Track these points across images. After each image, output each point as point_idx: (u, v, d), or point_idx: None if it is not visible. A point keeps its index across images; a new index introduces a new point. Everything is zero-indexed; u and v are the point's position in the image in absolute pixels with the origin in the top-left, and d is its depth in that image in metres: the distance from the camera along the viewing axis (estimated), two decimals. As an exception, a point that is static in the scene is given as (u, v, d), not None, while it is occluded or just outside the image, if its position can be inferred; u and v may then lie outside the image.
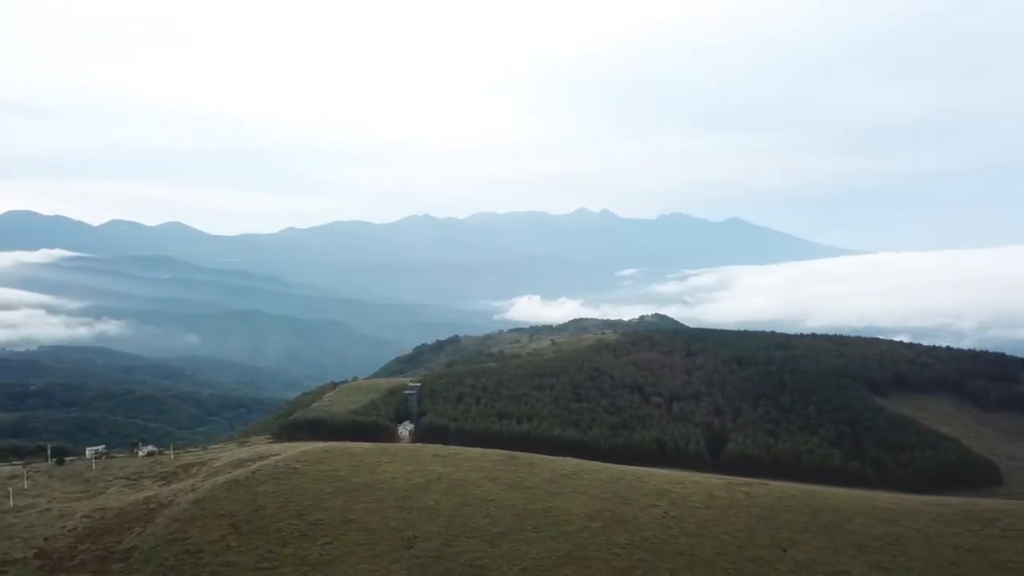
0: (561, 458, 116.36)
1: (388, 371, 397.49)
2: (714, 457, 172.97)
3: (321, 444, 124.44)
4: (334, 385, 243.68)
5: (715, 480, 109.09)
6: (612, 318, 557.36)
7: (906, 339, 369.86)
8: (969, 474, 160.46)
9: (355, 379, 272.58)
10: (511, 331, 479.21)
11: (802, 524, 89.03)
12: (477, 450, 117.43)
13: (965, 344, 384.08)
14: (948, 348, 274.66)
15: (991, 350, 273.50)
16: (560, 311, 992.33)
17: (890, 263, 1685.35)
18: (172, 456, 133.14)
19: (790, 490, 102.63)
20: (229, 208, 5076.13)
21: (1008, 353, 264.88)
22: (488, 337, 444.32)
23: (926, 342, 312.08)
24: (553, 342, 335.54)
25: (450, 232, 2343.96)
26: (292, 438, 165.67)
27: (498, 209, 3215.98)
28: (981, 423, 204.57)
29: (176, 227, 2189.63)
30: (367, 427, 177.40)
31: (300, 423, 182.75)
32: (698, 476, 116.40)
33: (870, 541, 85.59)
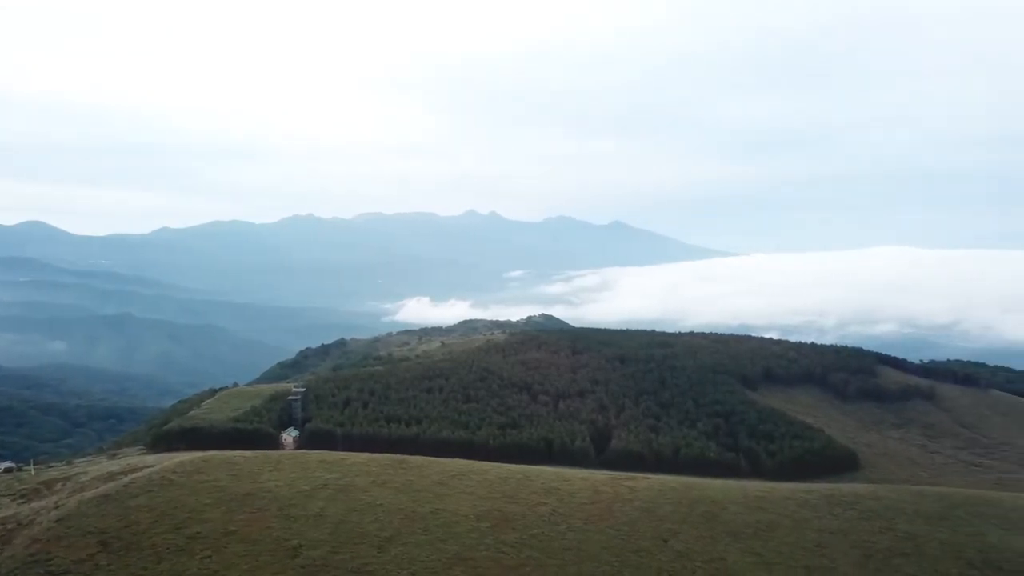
0: (450, 460, 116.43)
1: (271, 376, 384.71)
2: (599, 453, 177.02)
3: (199, 453, 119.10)
4: (213, 392, 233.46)
5: (600, 476, 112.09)
6: (501, 319, 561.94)
7: (775, 336, 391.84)
8: (832, 461, 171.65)
9: (236, 385, 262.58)
10: (400, 333, 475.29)
11: (681, 515, 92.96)
12: (365, 455, 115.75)
13: (827, 340, 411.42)
14: (812, 344, 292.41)
15: (850, 345, 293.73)
16: (450, 312, 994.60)
17: (762, 264, 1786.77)
18: (32, 472, 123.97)
19: (670, 483, 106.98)
20: (96, 207, 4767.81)
21: (864, 348, 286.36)
22: (376, 340, 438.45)
23: (793, 338, 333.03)
24: (443, 343, 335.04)
25: (336, 232, 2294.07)
26: (168, 448, 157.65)
27: (385, 210, 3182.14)
28: (842, 413, 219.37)
29: (37, 226, 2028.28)
30: (249, 435, 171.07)
31: (176, 432, 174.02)
32: (584, 472, 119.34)
33: (743, 528, 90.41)
